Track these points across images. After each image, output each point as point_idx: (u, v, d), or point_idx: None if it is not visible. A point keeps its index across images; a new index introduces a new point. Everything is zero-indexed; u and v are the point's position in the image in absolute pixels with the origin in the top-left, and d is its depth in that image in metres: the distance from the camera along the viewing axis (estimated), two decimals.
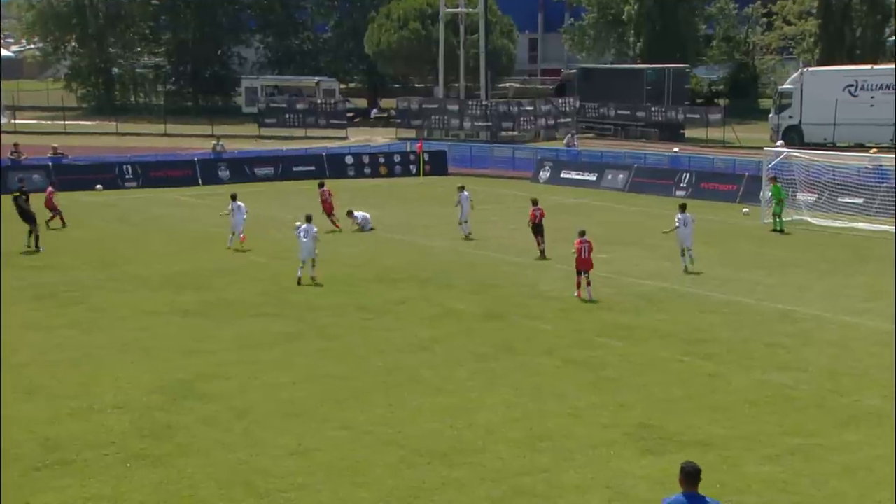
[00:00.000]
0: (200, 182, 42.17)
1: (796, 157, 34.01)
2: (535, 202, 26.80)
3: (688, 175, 39.61)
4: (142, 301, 21.14)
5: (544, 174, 44.20)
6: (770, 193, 31.05)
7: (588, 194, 39.48)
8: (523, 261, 25.93)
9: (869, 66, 56.50)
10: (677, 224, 24.44)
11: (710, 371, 16.47)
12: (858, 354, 17.29)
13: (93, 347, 17.73)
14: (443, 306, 20.96)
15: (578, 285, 21.60)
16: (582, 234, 22.00)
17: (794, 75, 59.19)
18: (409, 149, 48.90)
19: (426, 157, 47.45)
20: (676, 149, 43.35)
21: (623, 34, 77.55)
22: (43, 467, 12.56)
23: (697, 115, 61.69)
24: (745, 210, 34.19)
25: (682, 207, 24.96)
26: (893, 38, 77.05)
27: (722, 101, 73.53)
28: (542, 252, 26.27)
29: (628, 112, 62.58)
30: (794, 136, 54.88)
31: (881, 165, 35.26)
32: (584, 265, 21.55)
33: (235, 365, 16.75)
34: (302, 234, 23.24)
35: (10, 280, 23.20)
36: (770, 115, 58.65)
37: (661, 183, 39.75)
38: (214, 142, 48.84)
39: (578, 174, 42.81)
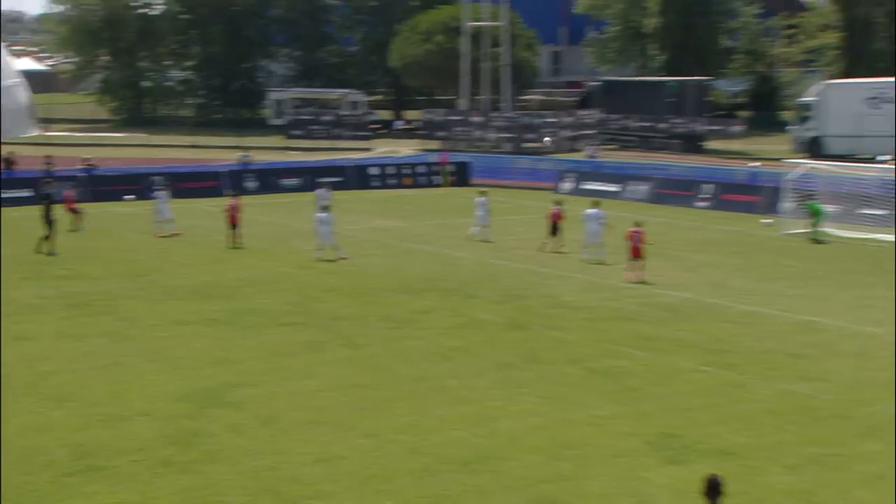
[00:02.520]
0: (227, 193, 42.38)
1: (818, 168, 33.82)
2: (557, 203, 28.56)
3: (710, 186, 39.44)
4: (170, 310, 21.28)
5: (567, 185, 44.14)
6: (808, 210, 30.95)
7: (610, 205, 39.24)
8: (547, 271, 25.89)
9: (891, 79, 56.10)
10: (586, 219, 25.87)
11: (732, 381, 16.37)
12: (880, 364, 17.14)
13: (122, 356, 17.85)
14: (466, 316, 20.95)
15: (630, 269, 24.01)
16: (637, 224, 24.50)
17: (815, 88, 58.91)
18: (432, 160, 48.99)
19: (451, 168, 47.53)
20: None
21: (645, 47, 77.42)
22: (73, 473, 12.64)
23: (719, 128, 61.49)
24: (765, 221, 34.00)
25: (594, 204, 26.56)
26: None
27: (743, 114, 73.13)
28: (544, 246, 27.82)
29: (650, 124, 62.45)
30: (816, 149, 54.60)
31: None
32: (634, 253, 24.02)
33: (262, 373, 16.81)
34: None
35: (42, 290, 23.42)
36: (792, 128, 58.37)
37: (683, 194, 39.62)
38: (241, 153, 49.10)
39: (601, 185, 42.71)
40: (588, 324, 20.36)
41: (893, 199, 32.44)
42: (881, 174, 35.16)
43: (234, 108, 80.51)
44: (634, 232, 24.39)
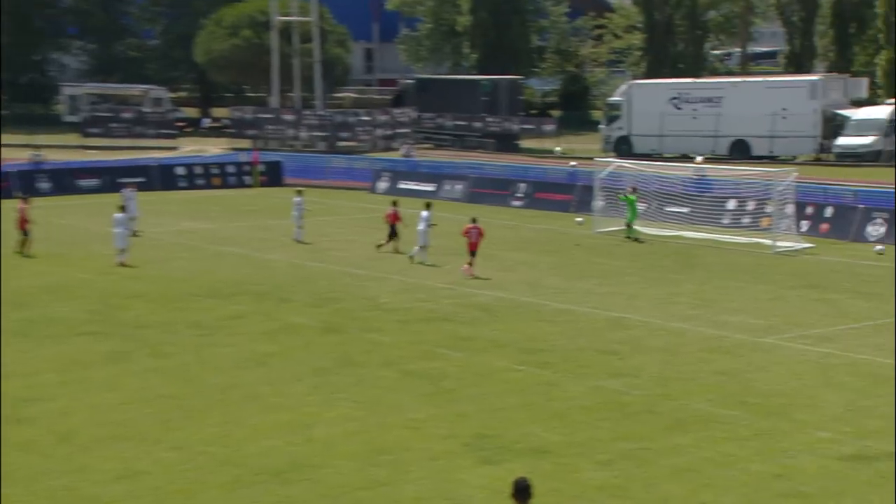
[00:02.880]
0: (16, 195, 40.22)
1: (626, 167, 35.30)
2: (394, 203, 28.92)
3: (524, 185, 40.49)
4: None
5: (382, 184, 44.34)
6: (624, 203, 31.93)
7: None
8: (364, 273, 25.93)
9: (691, 80, 59.35)
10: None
11: (546, 379, 16.87)
12: (687, 360, 18.07)
13: None
14: (280, 321, 20.72)
15: (469, 263, 25.04)
16: (474, 220, 25.47)
17: (623, 87, 61.56)
18: (242, 160, 48.15)
19: (262, 167, 46.85)
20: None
21: (458, 45, 78.77)
22: None
23: (532, 126, 63.30)
24: (578, 220, 35.16)
25: (427, 206, 27.22)
26: (714, 52, 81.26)
27: (555, 112, 75.56)
28: (381, 246, 28.27)
29: (465, 123, 63.62)
30: (624, 147, 57.08)
31: (704, 176, 37.04)
32: (471, 248, 25.08)
33: (58, 386, 16.06)
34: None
35: None
36: (601, 127, 60.79)
37: (498, 193, 40.52)
38: (33, 152, 46.70)
39: (417, 184, 43.14)
40: (404, 325, 20.51)
41: (697, 197, 34.31)
42: (685, 173, 37.10)
43: (23, 103, 76.41)
44: (472, 228, 25.22)
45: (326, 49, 67.05)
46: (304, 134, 59.63)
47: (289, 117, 60.68)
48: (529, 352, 18.58)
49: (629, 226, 31.63)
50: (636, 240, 31.06)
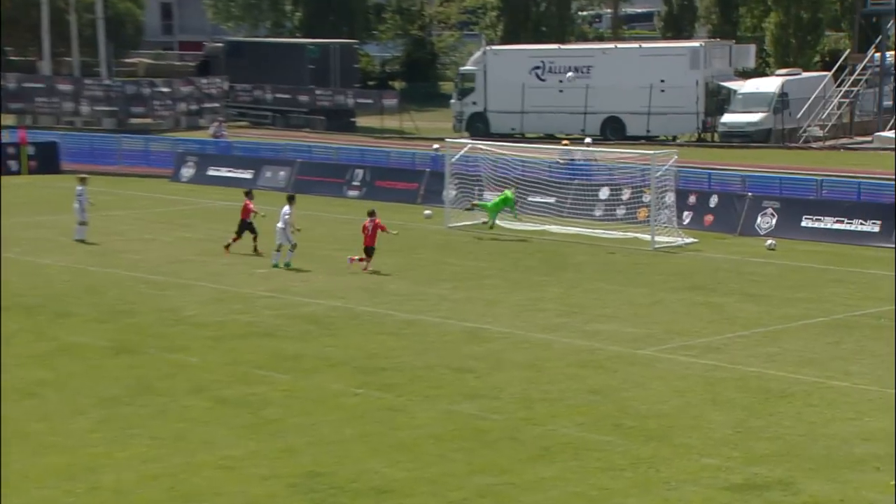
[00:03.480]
0: None
1: (482, 150, 35.74)
2: (247, 193, 29.27)
3: (361, 172, 40.52)
4: None
5: (187, 171, 43.64)
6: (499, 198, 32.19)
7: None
8: (164, 280, 25.47)
9: (556, 46, 60.54)
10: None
11: (390, 404, 16.95)
12: (553, 377, 18.48)
13: None
14: (58, 340, 20.18)
15: (362, 260, 26.42)
16: (371, 213, 26.78)
17: (477, 55, 62.35)
18: (7, 140, 46.56)
19: (30, 150, 45.41)
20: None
21: (278, 2, 78.18)
22: None
23: (370, 101, 63.46)
24: (427, 212, 35.42)
25: (289, 199, 27.42)
26: (581, 13, 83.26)
27: (398, 84, 75.98)
28: (228, 246, 28.32)
29: (288, 96, 63.23)
30: (479, 126, 57.85)
31: (573, 160, 37.93)
32: (367, 242, 26.52)
33: None
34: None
35: None
36: (452, 101, 61.42)
37: (331, 181, 40.44)
38: None
39: (230, 171, 42.66)
40: (216, 343, 20.27)
41: (565, 185, 35.07)
42: (551, 156, 37.89)
43: None
44: (371, 222, 26.38)
45: (112, 3, 65.47)
46: (85, 108, 58.11)
47: (65, 87, 59.00)
48: (370, 372, 18.63)
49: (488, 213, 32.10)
50: (487, 223, 31.86)
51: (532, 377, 18.43)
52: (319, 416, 16.29)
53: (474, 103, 59.10)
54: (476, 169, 35.02)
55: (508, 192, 32.29)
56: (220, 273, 26.32)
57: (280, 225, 26.81)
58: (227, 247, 28.27)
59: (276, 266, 26.73)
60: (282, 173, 41.69)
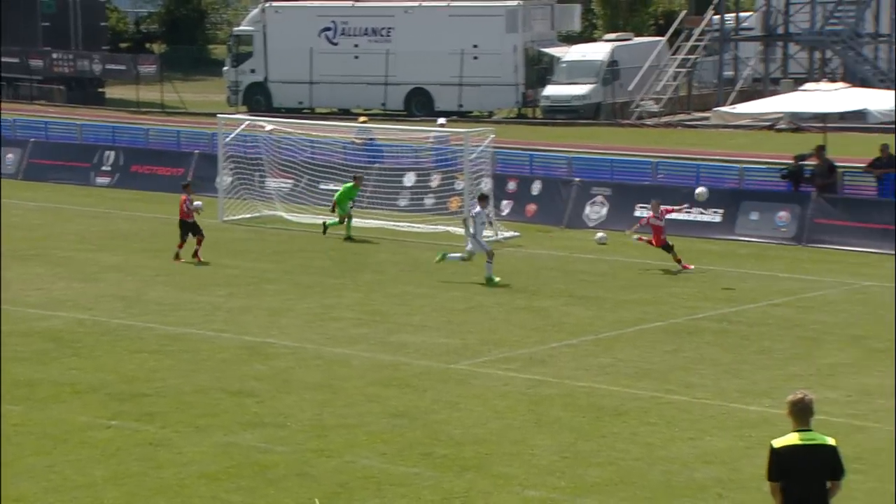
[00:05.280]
0: None
1: (263, 127, 35.54)
2: (185, 186, 28.79)
3: (112, 154, 39.84)
4: None
5: None
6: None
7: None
8: None
9: (350, 3, 60.48)
10: None
11: (151, 438, 16.70)
12: (351, 399, 18.53)
13: None
14: None
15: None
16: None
17: (254, 12, 61.83)
18: None
19: None
20: (442, 120, 41.28)
21: None
22: None
23: (123, 67, 62.32)
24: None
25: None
26: None
27: (157, 48, 74.83)
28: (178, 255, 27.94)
29: (16, 60, 61.37)
30: (260, 99, 57.49)
31: (373, 140, 38.09)
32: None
33: None
34: None
35: None
36: (225, 69, 60.85)
37: (74, 166, 39.62)
38: None
39: None
40: None
41: (364, 171, 35.15)
42: (347, 136, 37.89)
43: None
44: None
45: None
46: None
47: None
48: (126, 399, 18.33)
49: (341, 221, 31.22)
50: (349, 238, 30.99)
51: (326, 400, 18.43)
52: (61, 456, 15.93)
53: (252, 71, 58.65)
54: (256, 151, 34.82)
55: (348, 185, 31.51)
56: None
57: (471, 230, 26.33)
58: (177, 256, 27.83)
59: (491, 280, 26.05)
60: (10, 156, 40.68)
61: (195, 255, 27.82)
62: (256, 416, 17.70)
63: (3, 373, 19.41)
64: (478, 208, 27.05)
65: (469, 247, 26.76)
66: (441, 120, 43.47)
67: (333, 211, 31.22)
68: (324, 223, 31.28)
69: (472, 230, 26.57)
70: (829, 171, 31.98)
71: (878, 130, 41.02)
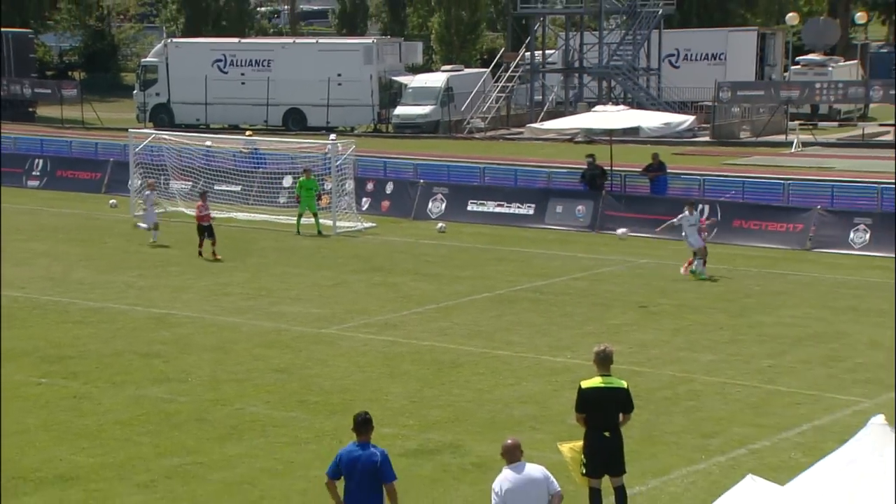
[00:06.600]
0: None
1: (166, 139, 34.89)
2: (203, 195, 27.41)
3: (41, 161, 38.75)
4: None
5: None
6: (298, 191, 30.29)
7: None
8: None
9: (237, 40, 59.78)
10: None
11: (75, 392, 16.29)
12: (240, 358, 18.26)
13: None
14: None
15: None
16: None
17: (158, 47, 60.66)
18: None
19: None
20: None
21: None
22: None
23: (49, 91, 60.48)
24: (112, 202, 34.37)
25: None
26: (260, 9, 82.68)
27: (78, 75, 72.75)
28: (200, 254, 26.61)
29: None
30: (164, 117, 56.31)
31: (257, 149, 37.58)
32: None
33: None
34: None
35: None
36: (135, 92, 59.45)
37: (9, 171, 38.43)
38: None
39: None
40: None
41: (250, 174, 34.72)
42: (235, 146, 37.37)
43: None
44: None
45: None
46: None
47: None
48: (54, 360, 17.84)
49: (315, 216, 30.01)
50: (319, 233, 30.00)
51: (220, 359, 18.15)
52: (2, 408, 15.38)
53: (157, 94, 57.39)
54: (161, 158, 34.14)
55: (303, 179, 30.56)
56: None
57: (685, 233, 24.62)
58: (200, 254, 26.47)
59: (699, 274, 24.33)
60: None
61: (213, 253, 26.51)
62: (162, 374, 17.37)
63: None
64: (686, 213, 24.73)
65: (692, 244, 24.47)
66: (248, 132, 43.40)
67: (298, 202, 30.18)
68: (297, 224, 30.14)
69: (683, 233, 24.68)
70: (602, 174, 32.58)
71: (650, 142, 41.87)
